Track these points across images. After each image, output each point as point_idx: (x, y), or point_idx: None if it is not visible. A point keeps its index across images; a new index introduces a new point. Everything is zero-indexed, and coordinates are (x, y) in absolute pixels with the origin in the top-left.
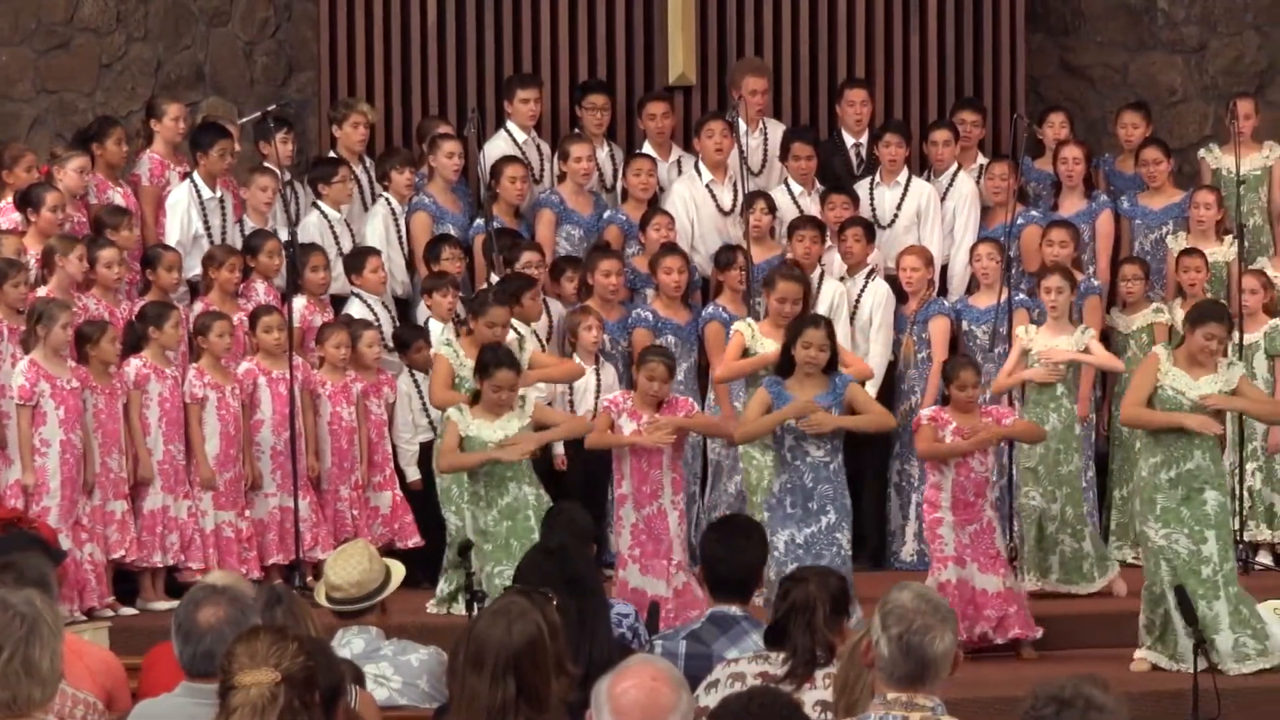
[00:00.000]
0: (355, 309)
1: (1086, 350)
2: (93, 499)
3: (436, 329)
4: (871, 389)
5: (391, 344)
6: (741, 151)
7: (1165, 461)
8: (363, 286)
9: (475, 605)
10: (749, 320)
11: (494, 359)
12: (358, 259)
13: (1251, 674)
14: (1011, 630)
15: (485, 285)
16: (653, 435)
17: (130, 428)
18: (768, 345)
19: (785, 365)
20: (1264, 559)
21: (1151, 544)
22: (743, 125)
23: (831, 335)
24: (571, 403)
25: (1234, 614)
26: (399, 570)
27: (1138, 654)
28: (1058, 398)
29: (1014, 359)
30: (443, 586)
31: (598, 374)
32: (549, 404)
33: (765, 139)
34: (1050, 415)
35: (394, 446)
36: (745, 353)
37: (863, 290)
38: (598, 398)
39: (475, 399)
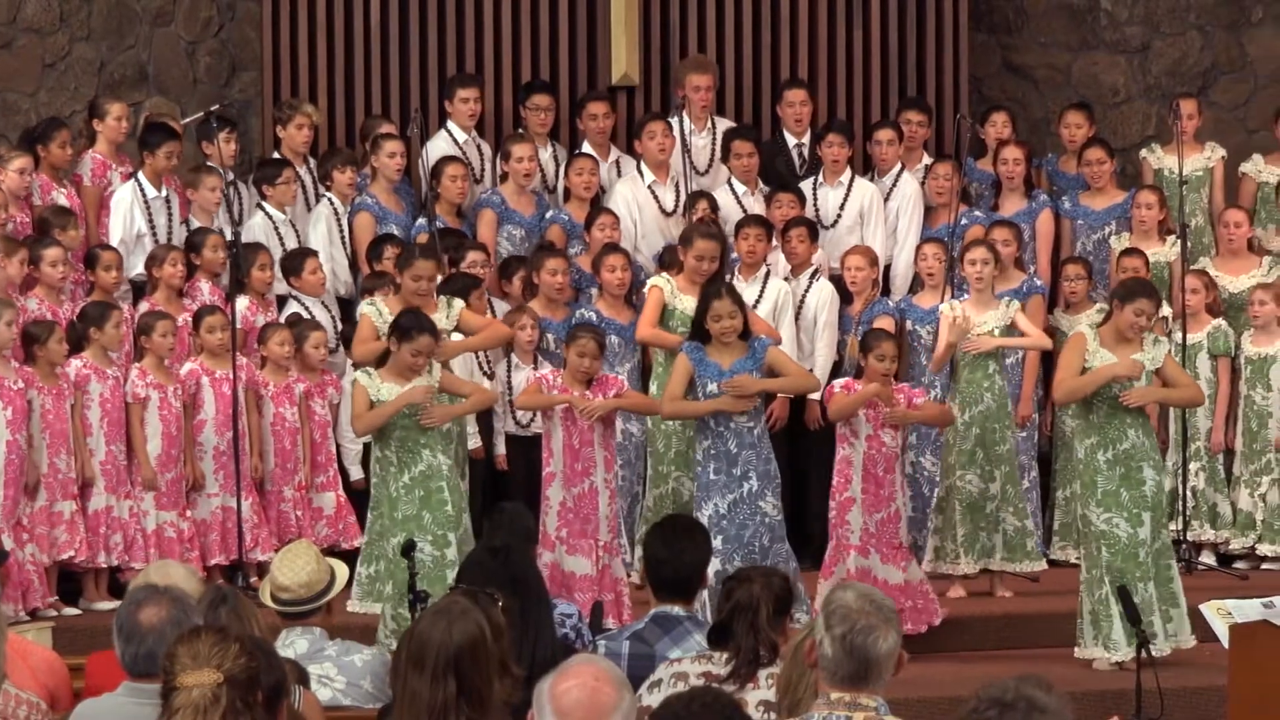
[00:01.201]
0: (295, 311)
1: (1013, 325)
2: (37, 500)
3: (381, 329)
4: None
5: (334, 344)
6: (686, 150)
7: (1101, 443)
8: (300, 288)
9: (418, 606)
10: (666, 275)
11: (414, 323)
12: (296, 261)
13: (1179, 653)
14: (905, 625)
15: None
16: (586, 405)
17: (73, 428)
18: (686, 301)
19: (701, 332)
20: (1207, 559)
21: (1093, 528)
22: (689, 124)
23: (738, 301)
24: (511, 402)
25: (1160, 591)
26: (343, 571)
27: (1079, 653)
28: (990, 375)
29: (944, 335)
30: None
31: (536, 373)
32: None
33: (714, 137)
34: (984, 395)
35: (338, 446)
36: (664, 309)
37: (807, 290)
38: None
39: (382, 361)
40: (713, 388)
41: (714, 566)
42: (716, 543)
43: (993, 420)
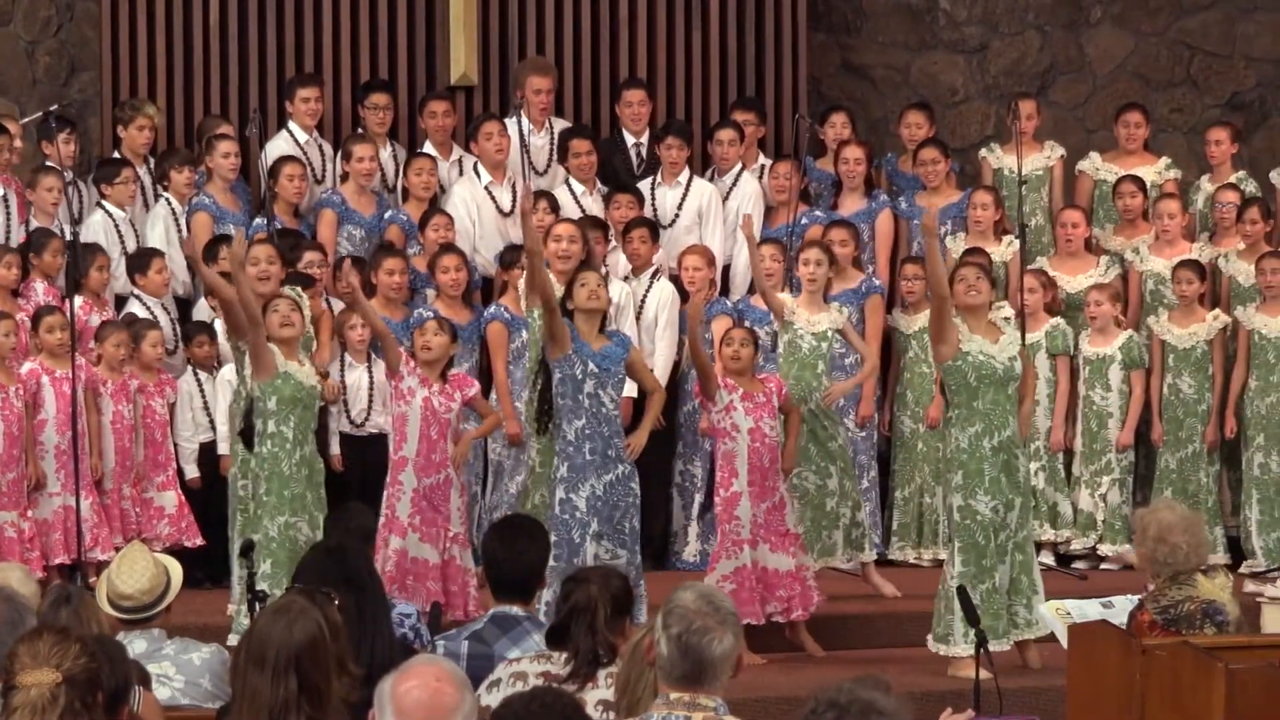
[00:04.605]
0: (135, 310)
1: (841, 331)
2: None
3: (221, 328)
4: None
5: (173, 345)
6: (525, 151)
7: (986, 430)
8: (145, 288)
9: (256, 605)
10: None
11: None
12: (142, 260)
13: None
14: (795, 611)
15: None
16: (462, 450)
17: None
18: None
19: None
20: (1046, 559)
21: (979, 517)
22: (528, 125)
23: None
24: (345, 401)
25: (1013, 582)
26: (177, 570)
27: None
28: (819, 375)
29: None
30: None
31: (370, 372)
32: (328, 402)
33: (551, 138)
34: (813, 394)
35: (175, 446)
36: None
37: (647, 291)
38: (371, 396)
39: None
40: (592, 367)
41: (590, 550)
42: (594, 525)
43: (823, 418)
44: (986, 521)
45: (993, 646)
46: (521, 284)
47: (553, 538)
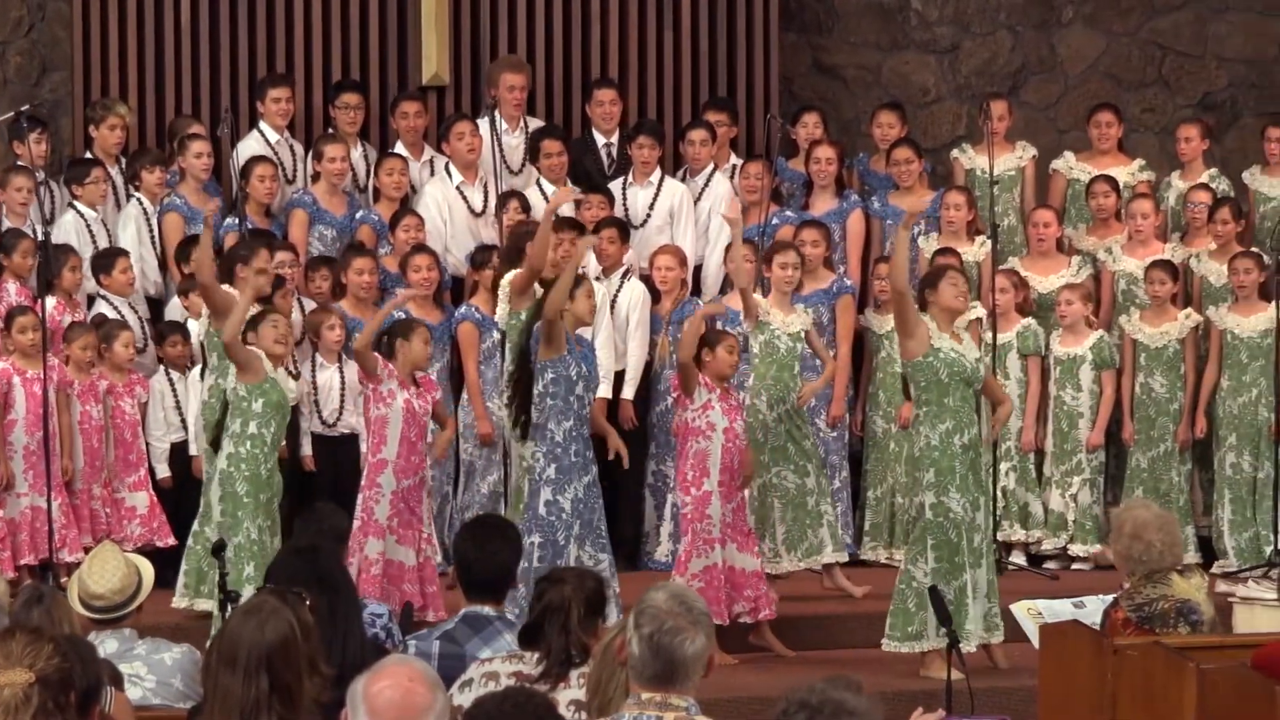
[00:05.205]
0: (104, 310)
1: (806, 335)
2: None
3: (194, 328)
4: (629, 390)
5: (142, 344)
6: (499, 151)
7: (956, 427)
8: (110, 288)
9: (229, 605)
10: None
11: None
12: (107, 260)
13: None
14: (762, 611)
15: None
16: (440, 446)
17: None
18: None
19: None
20: (1018, 559)
21: (952, 515)
22: (502, 124)
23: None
24: (317, 401)
25: (989, 583)
26: (148, 569)
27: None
28: (795, 376)
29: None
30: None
31: (341, 372)
32: (295, 402)
33: (526, 137)
34: (789, 394)
35: (147, 445)
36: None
37: (618, 291)
38: (343, 396)
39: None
40: (584, 369)
41: (573, 552)
42: (575, 528)
43: (796, 418)
44: (959, 519)
45: (961, 647)
46: (505, 285)
47: (537, 539)
